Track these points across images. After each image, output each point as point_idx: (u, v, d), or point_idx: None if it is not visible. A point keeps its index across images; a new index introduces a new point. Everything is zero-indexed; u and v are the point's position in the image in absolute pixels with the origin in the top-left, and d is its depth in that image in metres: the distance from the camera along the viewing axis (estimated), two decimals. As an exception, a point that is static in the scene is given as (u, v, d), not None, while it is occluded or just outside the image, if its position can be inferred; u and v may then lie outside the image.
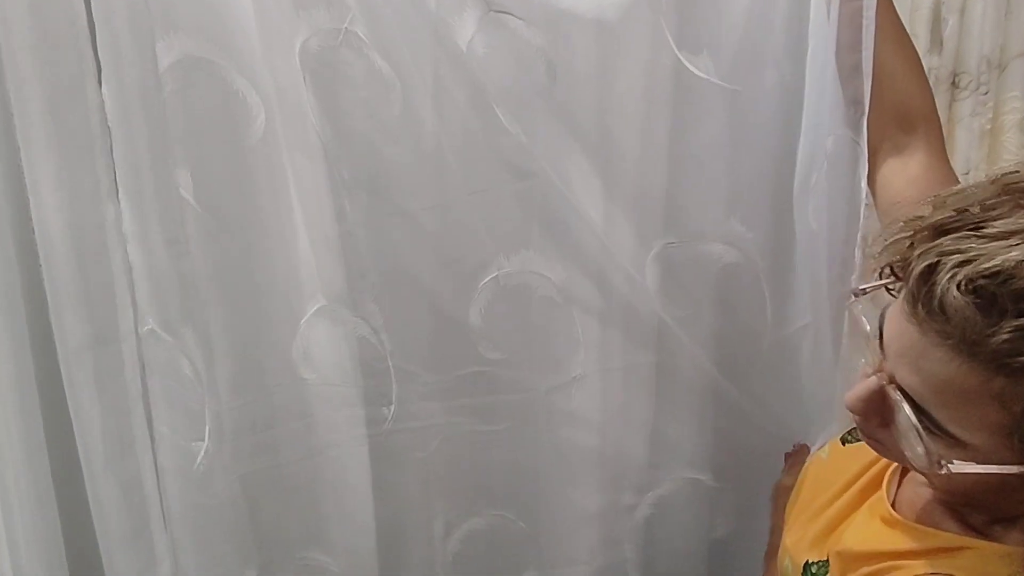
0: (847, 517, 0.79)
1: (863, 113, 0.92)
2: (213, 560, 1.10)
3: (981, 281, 0.54)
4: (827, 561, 0.76)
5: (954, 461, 0.60)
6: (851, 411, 0.68)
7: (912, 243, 0.60)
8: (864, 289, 0.68)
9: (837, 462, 0.86)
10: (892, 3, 0.91)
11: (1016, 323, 0.54)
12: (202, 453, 1.05)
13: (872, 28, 0.88)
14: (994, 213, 0.58)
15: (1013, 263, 0.54)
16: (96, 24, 0.91)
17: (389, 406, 1.12)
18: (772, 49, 1.02)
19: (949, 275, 0.56)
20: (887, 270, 0.66)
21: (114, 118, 0.93)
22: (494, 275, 1.08)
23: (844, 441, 0.88)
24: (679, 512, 1.23)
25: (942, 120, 0.98)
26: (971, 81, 1.46)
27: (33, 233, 0.97)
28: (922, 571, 0.67)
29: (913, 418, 0.60)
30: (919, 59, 0.95)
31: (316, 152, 1.02)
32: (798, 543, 0.83)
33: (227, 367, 1.08)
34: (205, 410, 1.05)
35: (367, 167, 1.04)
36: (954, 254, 0.56)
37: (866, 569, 0.72)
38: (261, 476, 1.13)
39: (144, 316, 1.01)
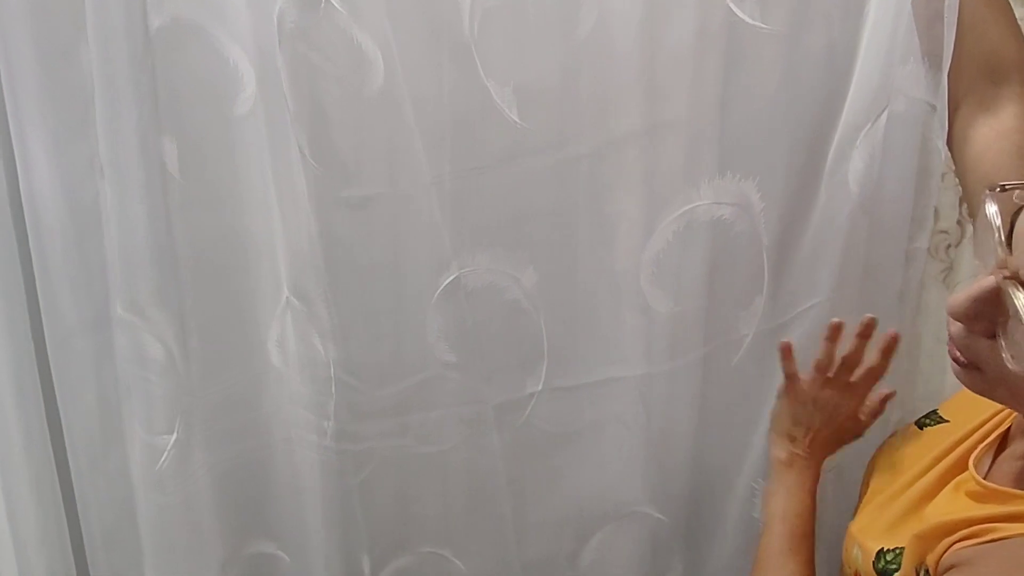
0: (929, 500, 0.74)
1: (940, 70, 0.85)
2: (176, 560, 1.05)
3: None
4: (903, 549, 0.71)
5: None
6: (956, 316, 0.63)
7: None
8: (1004, 186, 0.64)
9: (914, 446, 0.82)
10: None
11: None
12: (169, 447, 1.00)
13: None
14: None
15: None
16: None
17: (328, 420, 1.02)
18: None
19: None
20: None
21: (100, 83, 0.88)
22: (456, 274, 0.97)
23: (921, 425, 0.84)
24: (625, 554, 1.09)
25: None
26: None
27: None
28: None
29: None
30: (1009, 4, 0.86)
31: (290, 128, 0.92)
32: (868, 529, 0.78)
33: (204, 349, 1.01)
34: (178, 399, 0.99)
35: (332, 147, 0.94)
36: None
37: (950, 539, 0.66)
38: (226, 465, 1.07)
39: (116, 298, 0.95)
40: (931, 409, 0.86)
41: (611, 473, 1.05)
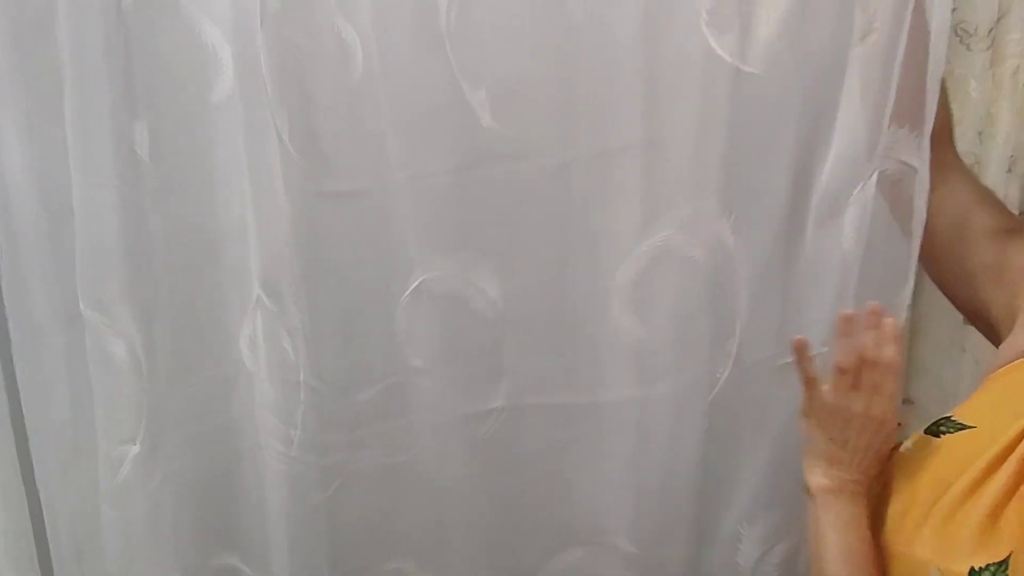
0: (1007, 503, 0.69)
1: (921, 134, 0.86)
2: (137, 570, 1.00)
3: None
4: (1004, 562, 0.67)
5: None
6: None
7: None
8: None
9: (943, 456, 0.76)
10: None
11: None
12: (129, 457, 0.95)
13: (944, 37, 0.83)
14: None
15: None
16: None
17: (295, 430, 0.97)
18: (809, 43, 0.89)
19: None
20: None
21: (70, 63, 0.85)
22: (421, 279, 0.93)
23: (937, 434, 0.77)
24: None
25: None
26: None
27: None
28: None
29: None
30: None
31: (269, 115, 0.88)
32: (943, 551, 0.71)
33: (173, 349, 0.97)
34: (142, 403, 0.94)
35: (313, 136, 0.90)
36: None
37: None
38: (193, 472, 1.02)
39: (80, 293, 0.90)
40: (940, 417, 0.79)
41: (580, 497, 1.00)
